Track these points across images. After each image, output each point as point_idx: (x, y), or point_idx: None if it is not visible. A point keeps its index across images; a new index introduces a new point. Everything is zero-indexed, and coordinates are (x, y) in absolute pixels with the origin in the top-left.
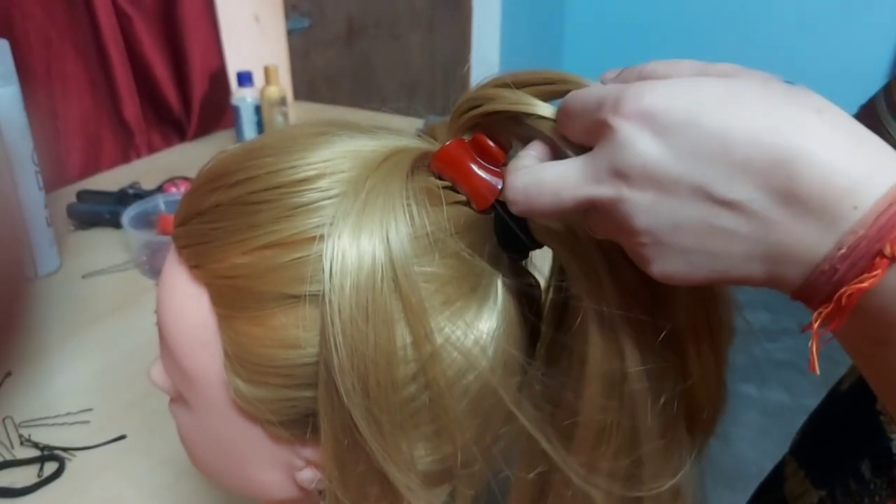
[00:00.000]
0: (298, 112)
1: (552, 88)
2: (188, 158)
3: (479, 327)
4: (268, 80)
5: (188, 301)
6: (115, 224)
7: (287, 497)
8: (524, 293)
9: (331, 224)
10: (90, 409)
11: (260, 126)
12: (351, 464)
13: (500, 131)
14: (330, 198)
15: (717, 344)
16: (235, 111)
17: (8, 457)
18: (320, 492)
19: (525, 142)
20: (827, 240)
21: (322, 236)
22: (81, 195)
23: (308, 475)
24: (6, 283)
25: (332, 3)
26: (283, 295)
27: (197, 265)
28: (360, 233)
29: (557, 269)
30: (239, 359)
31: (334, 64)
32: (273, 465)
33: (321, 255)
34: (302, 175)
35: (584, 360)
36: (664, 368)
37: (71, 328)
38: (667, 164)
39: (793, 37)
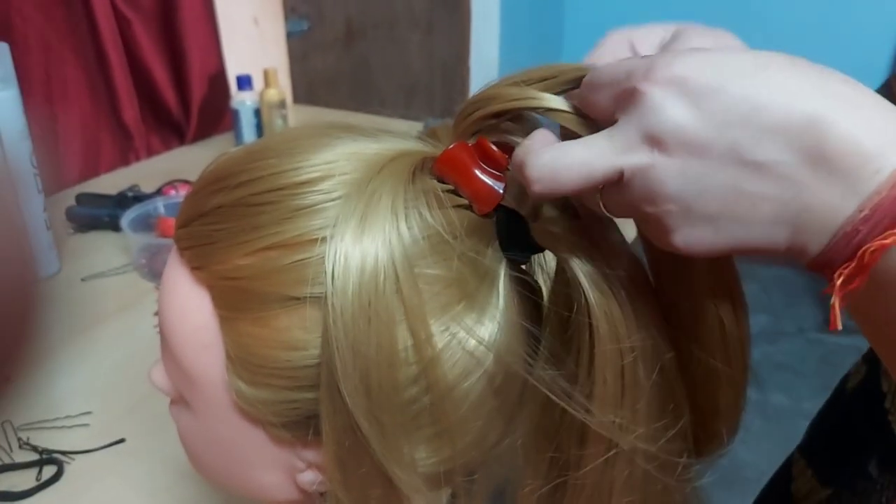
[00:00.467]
0: (298, 115)
1: (559, 80)
2: (187, 161)
3: (482, 330)
4: (267, 83)
5: (190, 303)
6: (115, 227)
7: (288, 499)
8: (527, 296)
9: (333, 226)
10: (89, 413)
11: (259, 129)
12: (353, 466)
13: (503, 135)
14: (333, 200)
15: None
16: (235, 114)
17: (7, 460)
18: (321, 494)
19: None
20: (850, 202)
21: (325, 238)
22: (80, 198)
23: (309, 477)
24: (18, 290)
25: (330, 5)
26: (286, 296)
27: (199, 267)
28: (362, 235)
29: (559, 271)
30: (241, 360)
31: (333, 66)
32: (274, 467)
33: (324, 257)
34: (305, 177)
35: (592, 362)
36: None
37: (70, 331)
38: (698, 127)
39: (793, 39)
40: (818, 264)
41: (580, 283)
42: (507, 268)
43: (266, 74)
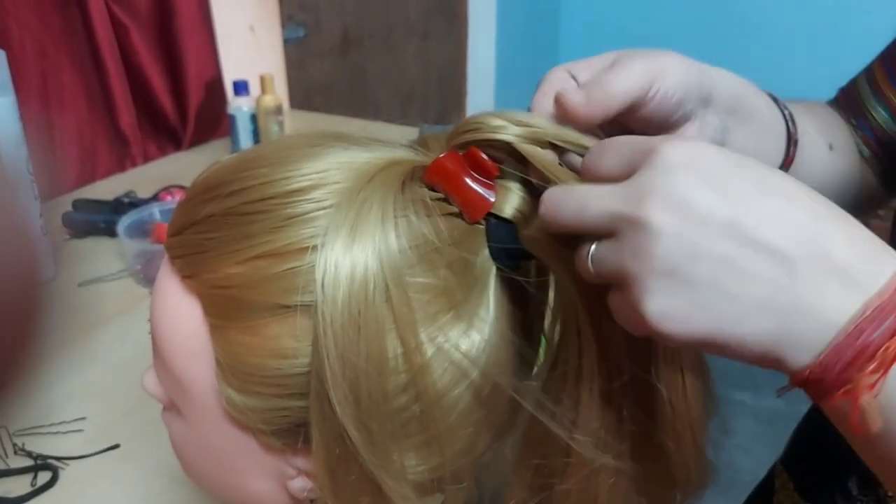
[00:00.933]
0: (294, 121)
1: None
2: (184, 167)
3: (471, 338)
4: (263, 90)
5: (181, 311)
6: (111, 233)
7: None
8: (517, 304)
9: (324, 235)
10: (84, 418)
11: (256, 135)
12: (342, 473)
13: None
14: (323, 209)
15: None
16: (231, 120)
17: (1, 466)
18: (312, 501)
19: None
20: (851, 301)
21: (315, 247)
22: (77, 204)
23: (300, 484)
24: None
25: (327, 12)
26: (276, 305)
27: (190, 275)
28: (352, 244)
29: (549, 280)
30: (231, 368)
31: (330, 73)
32: (265, 474)
33: (314, 266)
34: (296, 186)
35: (580, 373)
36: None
37: (65, 337)
38: (705, 195)
39: (788, 43)
40: (815, 368)
41: (569, 292)
42: (497, 276)
43: (263, 81)
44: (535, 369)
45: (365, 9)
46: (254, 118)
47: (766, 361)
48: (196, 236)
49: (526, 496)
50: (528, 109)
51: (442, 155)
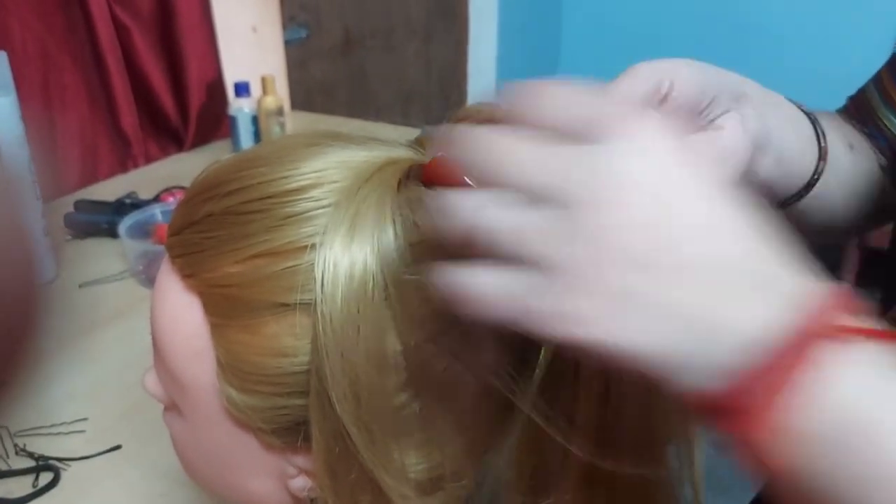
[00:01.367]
0: (295, 122)
1: None
2: (185, 168)
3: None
4: (265, 91)
5: (181, 310)
6: (112, 234)
7: None
8: None
9: (323, 234)
10: (85, 419)
11: (257, 136)
12: (343, 472)
13: None
14: (322, 208)
15: None
16: (232, 121)
17: (3, 467)
18: (312, 500)
19: None
20: (769, 319)
21: (314, 245)
22: (78, 205)
23: (300, 483)
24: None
25: (328, 13)
26: (276, 303)
27: (190, 274)
28: (351, 242)
29: None
30: (231, 367)
31: (331, 74)
32: (265, 473)
33: (313, 264)
34: (294, 185)
35: (577, 373)
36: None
37: (67, 337)
38: (648, 200)
39: (790, 42)
40: (730, 391)
41: None
42: None
43: (264, 82)
44: (537, 371)
45: (366, 9)
46: (255, 119)
47: (670, 382)
48: (195, 236)
49: (525, 497)
50: None
51: (439, 153)
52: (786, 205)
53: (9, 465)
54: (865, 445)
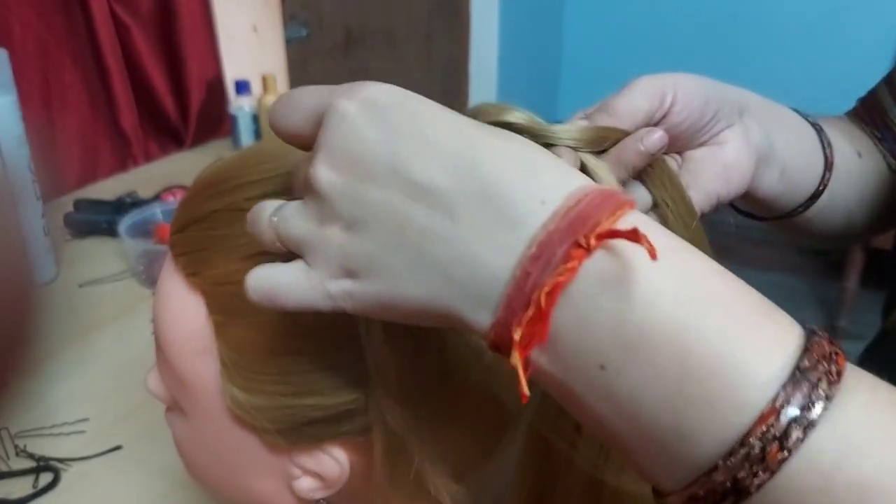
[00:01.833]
0: None
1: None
2: (185, 167)
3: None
4: (266, 89)
5: (185, 309)
6: (112, 233)
7: None
8: None
9: None
10: (86, 419)
11: (257, 135)
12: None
13: None
14: None
15: None
16: (233, 120)
17: (3, 468)
18: (317, 501)
19: None
20: (518, 243)
21: None
22: (78, 204)
23: (305, 485)
24: (14, 296)
25: (330, 12)
26: None
27: (193, 272)
28: None
29: None
30: (235, 366)
31: (332, 73)
32: (269, 474)
33: None
34: None
35: None
36: None
37: (67, 338)
38: (367, 143)
39: (792, 42)
40: (495, 327)
41: None
42: None
43: (265, 80)
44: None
45: (367, 8)
46: (255, 118)
47: (449, 324)
48: (199, 233)
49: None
50: None
51: None
52: (792, 215)
53: (9, 466)
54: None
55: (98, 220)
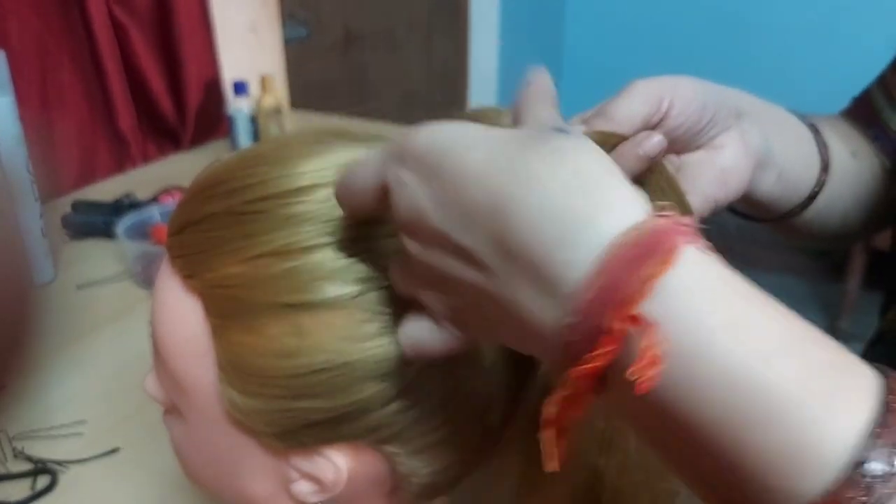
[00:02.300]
0: (294, 121)
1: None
2: (183, 168)
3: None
4: (264, 90)
5: (182, 311)
6: (110, 234)
7: None
8: None
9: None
10: (83, 422)
11: (256, 135)
12: None
13: None
14: (324, 208)
15: None
16: (231, 121)
17: (1, 470)
18: None
19: None
20: (556, 308)
21: (315, 246)
22: (76, 206)
23: (303, 488)
24: (12, 297)
25: (328, 12)
26: (278, 304)
27: (190, 275)
28: None
29: None
30: (233, 369)
31: (331, 73)
32: (267, 477)
33: (315, 265)
34: (296, 185)
35: None
36: None
37: (65, 339)
38: (424, 214)
39: (793, 41)
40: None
41: None
42: None
43: (263, 81)
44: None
45: (367, 8)
46: (254, 119)
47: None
48: (196, 235)
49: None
50: None
51: None
52: (790, 216)
53: (7, 469)
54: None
55: (96, 222)
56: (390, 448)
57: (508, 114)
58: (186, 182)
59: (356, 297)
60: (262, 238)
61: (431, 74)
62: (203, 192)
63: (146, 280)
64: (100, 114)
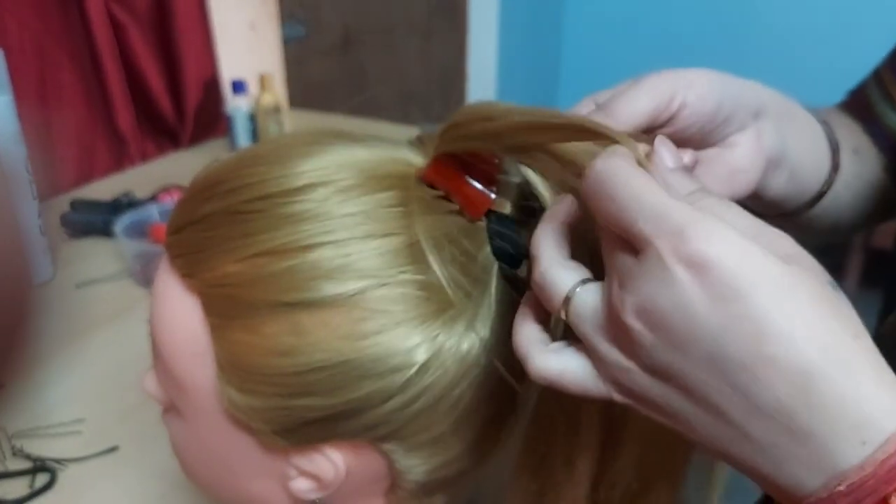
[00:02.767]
0: (293, 120)
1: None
2: (182, 167)
3: (473, 336)
4: (262, 89)
5: (181, 311)
6: (109, 233)
7: None
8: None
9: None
10: (82, 420)
11: (254, 134)
12: None
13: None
14: (323, 207)
15: None
16: (230, 119)
17: (0, 469)
18: (313, 502)
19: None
20: (826, 472)
21: (314, 245)
22: (75, 204)
23: (301, 485)
24: (11, 296)
25: (327, 11)
26: (276, 303)
27: (189, 274)
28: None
29: None
30: (231, 367)
31: (330, 72)
32: (265, 474)
33: (314, 263)
34: (294, 184)
35: None
36: None
37: (64, 338)
38: (697, 328)
39: (794, 40)
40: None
41: None
42: (499, 273)
43: (262, 80)
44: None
45: (365, 7)
46: (252, 117)
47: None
48: (195, 235)
49: (525, 500)
50: None
51: (441, 152)
52: (795, 214)
53: (5, 467)
54: None
55: (95, 221)
56: (388, 446)
57: (517, 112)
58: (185, 181)
59: (354, 295)
60: (260, 237)
61: (430, 74)
62: (202, 191)
63: (145, 279)
64: (99, 112)
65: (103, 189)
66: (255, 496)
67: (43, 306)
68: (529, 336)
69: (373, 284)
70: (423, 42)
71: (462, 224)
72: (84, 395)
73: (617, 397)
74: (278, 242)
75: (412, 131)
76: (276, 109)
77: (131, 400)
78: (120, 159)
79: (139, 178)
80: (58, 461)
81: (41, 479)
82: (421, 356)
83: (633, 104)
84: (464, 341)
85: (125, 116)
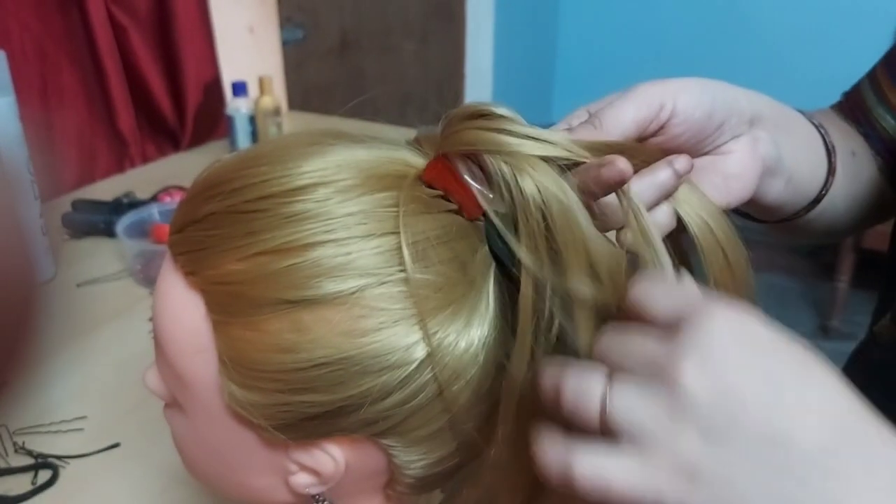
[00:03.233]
0: (292, 122)
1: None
2: (182, 168)
3: (471, 334)
4: (262, 91)
5: (184, 307)
6: (110, 233)
7: (282, 502)
8: (517, 300)
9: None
10: (84, 417)
11: (254, 136)
12: None
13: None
14: (324, 207)
15: None
16: (230, 121)
17: (2, 465)
18: (314, 496)
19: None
20: None
21: (315, 244)
22: (76, 204)
23: (301, 480)
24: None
25: (326, 14)
26: (278, 300)
27: (192, 272)
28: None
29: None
30: (233, 364)
31: (328, 75)
32: (267, 470)
33: (315, 262)
34: (296, 184)
35: None
36: None
37: (65, 337)
38: (743, 373)
39: (790, 45)
40: None
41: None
42: (496, 272)
43: (261, 82)
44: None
45: (363, 10)
46: (252, 119)
47: None
48: (198, 233)
49: (519, 495)
50: None
51: (440, 153)
52: (793, 219)
53: (8, 463)
54: None
55: (96, 221)
56: (387, 441)
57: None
58: (185, 182)
59: (354, 293)
60: (262, 236)
61: (428, 77)
62: (204, 191)
63: (145, 278)
64: (100, 114)
65: (104, 189)
66: (255, 490)
67: (45, 306)
68: (558, 439)
69: (372, 282)
70: (421, 45)
71: (461, 223)
72: (86, 393)
73: (673, 493)
74: (280, 241)
75: (410, 132)
76: (276, 111)
77: (132, 397)
78: (121, 160)
79: (140, 179)
80: (60, 458)
81: (43, 475)
82: (419, 353)
83: (622, 114)
84: (462, 339)
85: (126, 118)
